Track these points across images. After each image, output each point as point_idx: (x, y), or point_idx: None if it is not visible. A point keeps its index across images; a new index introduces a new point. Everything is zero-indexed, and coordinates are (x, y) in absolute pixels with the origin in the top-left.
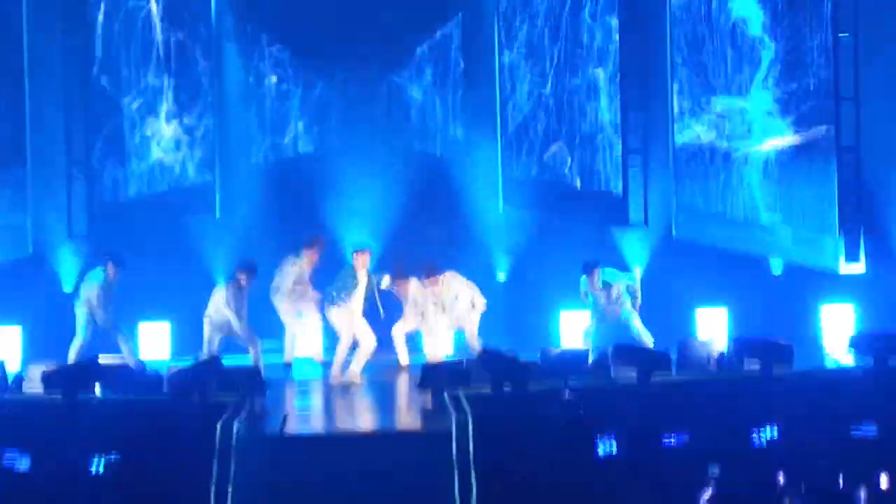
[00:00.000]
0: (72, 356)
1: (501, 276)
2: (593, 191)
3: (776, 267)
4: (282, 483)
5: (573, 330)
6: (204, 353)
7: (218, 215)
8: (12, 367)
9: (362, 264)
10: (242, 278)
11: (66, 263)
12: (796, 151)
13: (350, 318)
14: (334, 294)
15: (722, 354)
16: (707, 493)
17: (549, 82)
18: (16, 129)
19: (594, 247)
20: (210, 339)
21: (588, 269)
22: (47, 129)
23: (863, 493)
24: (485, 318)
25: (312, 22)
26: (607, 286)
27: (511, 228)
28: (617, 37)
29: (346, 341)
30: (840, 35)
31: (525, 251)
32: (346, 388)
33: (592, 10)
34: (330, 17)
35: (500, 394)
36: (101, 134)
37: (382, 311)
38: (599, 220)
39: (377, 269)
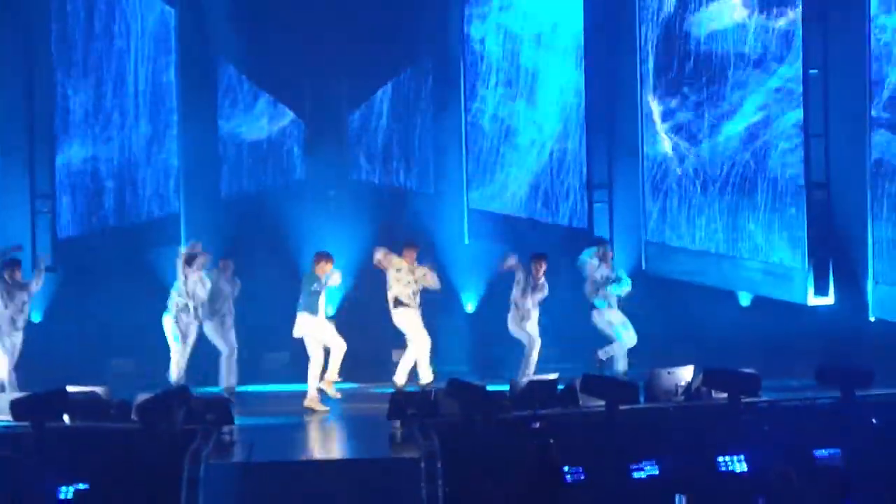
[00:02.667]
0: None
1: (469, 307)
2: (559, 224)
3: (745, 299)
4: None
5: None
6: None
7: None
8: None
9: (322, 270)
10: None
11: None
12: (766, 185)
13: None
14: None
15: (690, 385)
16: None
17: (515, 117)
18: None
19: (562, 278)
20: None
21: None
22: (10, 162)
23: None
24: (453, 348)
25: (280, 56)
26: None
27: (477, 260)
28: (582, 71)
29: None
30: (810, 71)
31: (492, 283)
32: (316, 415)
33: (559, 45)
34: (298, 51)
35: (468, 423)
36: (65, 167)
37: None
38: (565, 254)
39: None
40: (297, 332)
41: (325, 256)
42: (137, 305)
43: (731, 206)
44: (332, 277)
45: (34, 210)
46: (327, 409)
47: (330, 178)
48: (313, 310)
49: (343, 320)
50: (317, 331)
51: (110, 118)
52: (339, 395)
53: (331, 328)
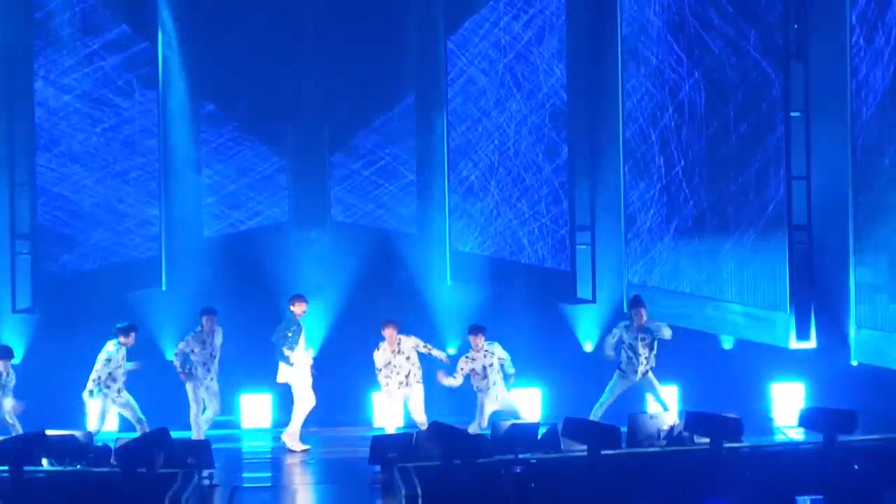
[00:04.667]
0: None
1: (451, 350)
2: (541, 267)
3: (727, 343)
4: None
5: (523, 404)
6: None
7: (164, 288)
8: None
9: (300, 312)
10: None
11: (11, 338)
12: (748, 227)
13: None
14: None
15: (672, 429)
16: None
17: (497, 159)
18: None
19: (543, 322)
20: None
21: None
22: None
23: None
24: (435, 391)
25: (262, 97)
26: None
27: (460, 302)
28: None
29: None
30: (791, 114)
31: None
32: (298, 461)
33: (542, 88)
34: (281, 92)
35: (450, 467)
36: (46, 207)
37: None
38: (548, 296)
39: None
40: (281, 378)
41: (300, 298)
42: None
43: (713, 249)
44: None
45: (14, 251)
46: (307, 447)
47: (312, 220)
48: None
49: (322, 362)
50: (295, 377)
51: (92, 160)
52: (306, 448)
53: (306, 380)
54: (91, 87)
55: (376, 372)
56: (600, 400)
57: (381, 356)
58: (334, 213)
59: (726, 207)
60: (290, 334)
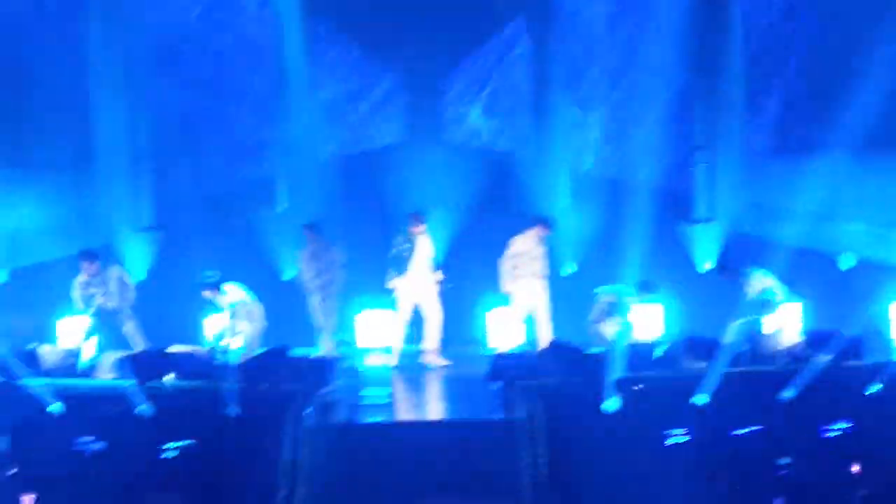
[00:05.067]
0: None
1: (569, 269)
2: (659, 187)
3: (847, 262)
4: (352, 470)
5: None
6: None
7: (282, 209)
8: (86, 355)
9: (417, 231)
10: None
11: (135, 256)
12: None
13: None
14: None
15: (794, 347)
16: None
17: (613, 78)
18: (85, 121)
19: (662, 241)
20: None
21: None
22: (115, 123)
23: None
24: (552, 310)
25: (379, 16)
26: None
27: (577, 223)
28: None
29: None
30: None
31: (591, 246)
32: (416, 378)
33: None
34: (397, 10)
35: (569, 385)
36: (169, 129)
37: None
38: (666, 216)
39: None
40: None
41: (417, 217)
42: (236, 266)
43: (832, 166)
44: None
45: (137, 171)
46: (448, 362)
47: (427, 140)
48: (402, 271)
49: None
50: (423, 294)
51: (209, 82)
52: (447, 362)
53: (434, 296)
54: (206, 9)
55: (506, 259)
56: None
57: (521, 242)
58: (449, 132)
59: (846, 124)
60: (404, 254)
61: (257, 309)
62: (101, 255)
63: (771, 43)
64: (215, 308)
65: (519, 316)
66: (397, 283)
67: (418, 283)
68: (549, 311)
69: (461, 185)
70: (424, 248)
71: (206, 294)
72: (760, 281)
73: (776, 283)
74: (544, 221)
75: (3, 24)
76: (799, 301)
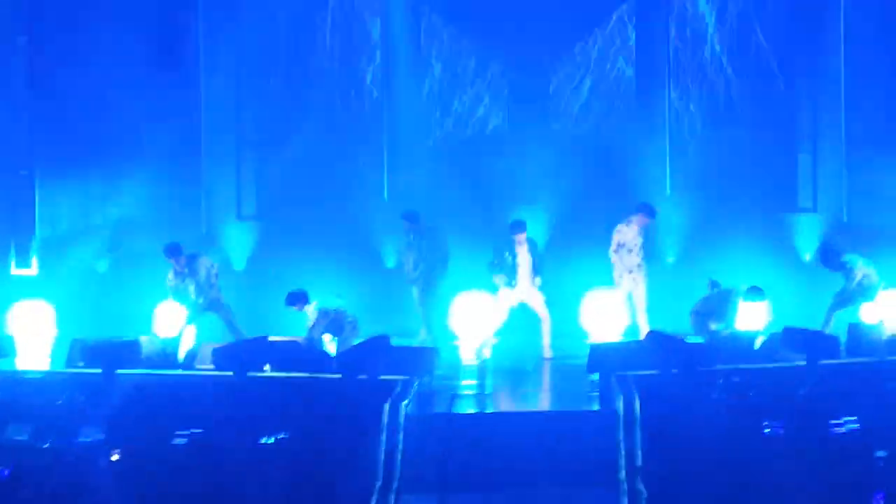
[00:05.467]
0: None
1: (670, 259)
2: (761, 175)
3: None
4: (450, 460)
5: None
6: None
7: (386, 198)
8: (185, 346)
9: (518, 240)
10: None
11: (235, 245)
12: None
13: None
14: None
15: (894, 338)
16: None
17: (717, 66)
18: (191, 113)
19: (764, 231)
20: None
21: None
22: (220, 110)
23: None
24: (652, 300)
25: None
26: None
27: (678, 212)
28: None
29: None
30: None
31: (692, 235)
32: (515, 369)
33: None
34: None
35: (667, 376)
36: (272, 119)
37: None
38: (768, 205)
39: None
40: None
41: (517, 226)
42: (337, 254)
43: None
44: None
45: (240, 159)
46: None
47: (531, 127)
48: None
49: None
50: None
51: (313, 70)
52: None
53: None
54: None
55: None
56: None
57: (625, 232)
58: (553, 121)
59: None
60: (507, 264)
61: (345, 319)
62: (184, 249)
63: (873, 31)
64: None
65: (620, 305)
66: (503, 293)
67: (522, 291)
68: (647, 301)
69: (564, 174)
70: (525, 256)
71: (295, 308)
72: (861, 269)
73: (875, 272)
74: (646, 209)
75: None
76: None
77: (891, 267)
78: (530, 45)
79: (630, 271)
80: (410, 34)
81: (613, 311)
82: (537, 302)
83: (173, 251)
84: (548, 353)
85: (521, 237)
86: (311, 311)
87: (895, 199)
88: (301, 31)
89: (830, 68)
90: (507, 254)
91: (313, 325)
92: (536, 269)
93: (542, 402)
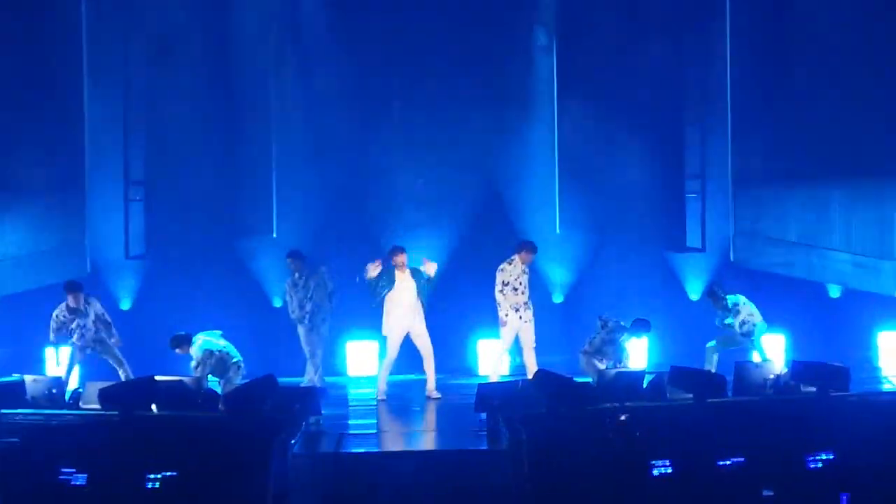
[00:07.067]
0: None
1: (559, 298)
2: (650, 215)
3: (834, 291)
4: (338, 499)
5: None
6: None
7: (275, 235)
8: (70, 385)
9: (397, 263)
10: None
11: (123, 283)
12: (857, 176)
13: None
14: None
15: (779, 378)
16: None
17: (609, 109)
18: (74, 149)
19: (651, 270)
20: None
21: None
22: (106, 149)
23: None
24: (543, 338)
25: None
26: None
27: (567, 250)
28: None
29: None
30: None
31: (582, 273)
32: (403, 407)
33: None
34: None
35: (555, 415)
36: (158, 154)
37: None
38: (656, 245)
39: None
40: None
41: (396, 249)
42: (226, 293)
43: (820, 196)
44: (427, 267)
45: (127, 198)
46: (438, 395)
47: (420, 166)
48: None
49: (429, 309)
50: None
51: (202, 108)
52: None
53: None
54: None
55: (499, 289)
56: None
57: (509, 270)
58: (444, 156)
59: (833, 155)
60: (382, 283)
61: (230, 360)
62: (83, 286)
63: (759, 73)
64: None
65: (506, 345)
66: (387, 321)
67: (406, 318)
68: (534, 339)
69: (451, 212)
70: (406, 282)
71: (178, 351)
72: (745, 310)
73: (758, 313)
74: (527, 246)
75: None
76: (781, 332)
77: (774, 306)
78: (424, 80)
79: (516, 309)
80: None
81: (502, 350)
82: (421, 337)
83: (74, 287)
84: (433, 392)
85: (400, 259)
86: (195, 351)
87: (778, 241)
88: (197, 64)
89: (717, 107)
90: (385, 277)
91: (197, 365)
92: (421, 296)
93: (430, 441)
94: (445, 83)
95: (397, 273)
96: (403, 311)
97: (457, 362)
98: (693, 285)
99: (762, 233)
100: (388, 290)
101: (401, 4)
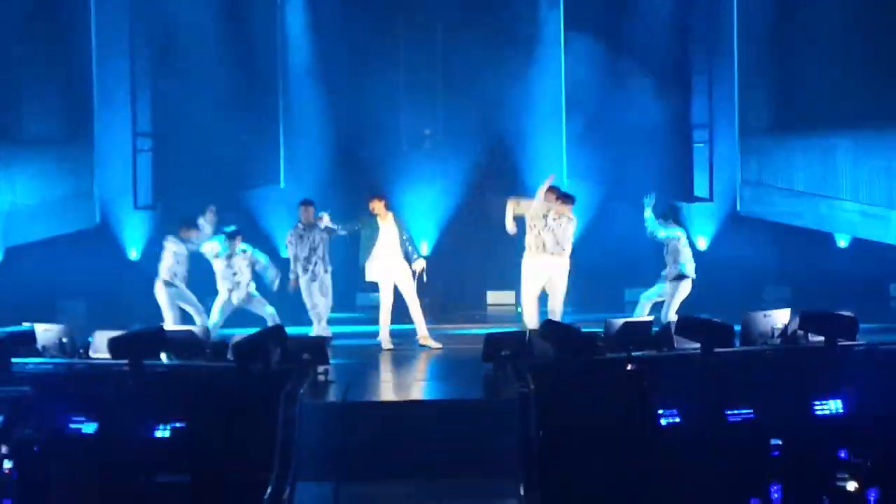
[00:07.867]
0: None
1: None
2: (657, 165)
3: (842, 240)
4: (346, 449)
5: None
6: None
7: (283, 185)
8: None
9: (377, 210)
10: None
11: (132, 234)
12: (864, 125)
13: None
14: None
15: (786, 327)
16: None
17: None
18: (83, 101)
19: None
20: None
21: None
22: (114, 102)
23: None
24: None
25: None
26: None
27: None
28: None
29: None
30: None
31: (590, 225)
32: (410, 358)
33: None
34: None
35: (562, 365)
36: (166, 106)
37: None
38: (664, 195)
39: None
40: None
41: (372, 197)
42: None
43: (828, 145)
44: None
45: (135, 149)
46: (440, 345)
47: (427, 121)
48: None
49: (438, 260)
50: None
51: (210, 59)
52: (439, 346)
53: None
54: None
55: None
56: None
57: (538, 206)
58: (452, 111)
59: (840, 104)
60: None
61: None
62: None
63: (766, 22)
64: None
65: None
66: (371, 265)
67: (391, 266)
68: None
69: (459, 163)
70: (389, 228)
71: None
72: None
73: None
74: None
75: None
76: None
77: (781, 257)
78: (430, 25)
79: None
80: (308, 29)
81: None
82: (407, 284)
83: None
84: (429, 341)
85: (373, 205)
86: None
87: (785, 190)
88: (204, 13)
89: (724, 57)
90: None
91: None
92: (406, 246)
93: (436, 390)
94: (453, 30)
95: (379, 221)
96: (386, 256)
97: (465, 311)
98: (701, 234)
99: (769, 182)
100: (371, 235)
101: None
